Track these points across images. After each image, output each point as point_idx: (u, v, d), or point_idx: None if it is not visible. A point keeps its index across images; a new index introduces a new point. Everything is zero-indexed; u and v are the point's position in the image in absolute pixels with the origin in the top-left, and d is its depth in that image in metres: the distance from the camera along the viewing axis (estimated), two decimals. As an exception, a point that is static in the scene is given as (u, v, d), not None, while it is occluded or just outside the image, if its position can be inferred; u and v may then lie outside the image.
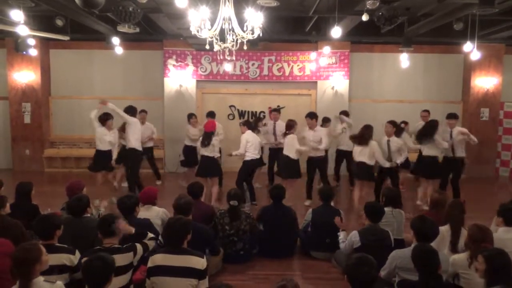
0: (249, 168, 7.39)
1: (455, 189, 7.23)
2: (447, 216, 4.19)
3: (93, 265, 2.84)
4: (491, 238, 3.48)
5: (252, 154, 7.25)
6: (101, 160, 7.63)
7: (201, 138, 7.37)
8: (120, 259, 3.32)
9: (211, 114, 8.43)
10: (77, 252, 3.53)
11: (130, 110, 7.67)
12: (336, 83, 10.33)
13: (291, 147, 7.29)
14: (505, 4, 6.36)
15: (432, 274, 3.12)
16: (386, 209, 4.94)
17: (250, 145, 7.20)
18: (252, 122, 8.07)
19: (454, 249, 3.94)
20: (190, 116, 8.89)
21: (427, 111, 8.58)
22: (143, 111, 8.64)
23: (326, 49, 9.13)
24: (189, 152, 8.73)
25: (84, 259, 3.38)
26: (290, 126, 7.41)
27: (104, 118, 7.56)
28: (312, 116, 7.63)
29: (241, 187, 7.15)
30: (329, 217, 5.19)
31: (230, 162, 9.30)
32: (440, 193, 4.94)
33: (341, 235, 4.86)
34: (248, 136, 7.27)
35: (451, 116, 7.33)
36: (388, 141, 7.05)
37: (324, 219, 5.19)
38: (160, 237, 4.38)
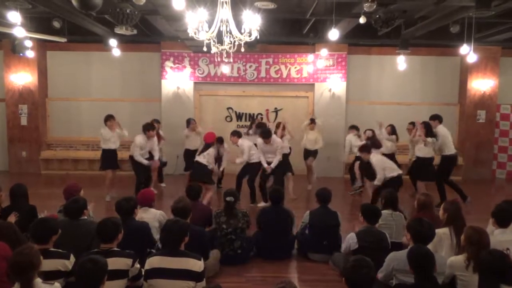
0: (256, 169, 7.68)
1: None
2: (448, 217, 4.18)
3: (84, 267, 2.82)
4: (487, 240, 3.48)
5: (254, 157, 7.59)
6: (107, 159, 7.72)
7: (200, 148, 7.78)
8: (116, 263, 3.31)
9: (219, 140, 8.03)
10: (71, 257, 3.48)
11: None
12: (333, 85, 10.34)
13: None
14: (501, 7, 6.40)
15: (428, 276, 3.12)
16: (385, 211, 4.95)
17: (252, 151, 7.57)
18: (249, 123, 8.49)
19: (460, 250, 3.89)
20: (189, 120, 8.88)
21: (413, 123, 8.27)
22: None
23: (324, 51, 9.15)
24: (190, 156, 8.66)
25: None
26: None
27: (105, 119, 7.76)
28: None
29: (253, 187, 7.68)
30: (327, 219, 5.21)
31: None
32: (426, 195, 4.94)
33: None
34: (247, 142, 7.61)
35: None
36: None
37: (322, 221, 5.19)
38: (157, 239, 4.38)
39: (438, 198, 7.26)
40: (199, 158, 7.42)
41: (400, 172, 6.77)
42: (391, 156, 7.80)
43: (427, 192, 5.03)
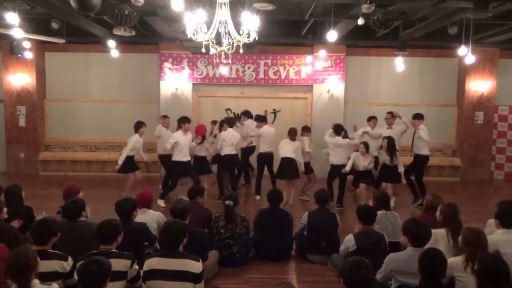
0: (224, 163, 7.96)
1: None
2: (444, 219, 4.19)
3: (88, 268, 2.81)
4: (485, 241, 3.48)
5: (226, 150, 7.84)
6: (127, 163, 7.56)
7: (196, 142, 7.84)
8: (116, 264, 3.30)
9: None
10: (69, 259, 3.47)
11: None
12: (331, 86, 10.35)
13: (290, 150, 7.74)
14: (499, 9, 6.44)
15: (436, 282, 3.10)
16: (379, 212, 4.95)
17: (225, 143, 7.82)
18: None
19: (458, 251, 3.89)
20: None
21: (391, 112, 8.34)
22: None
23: (322, 53, 9.16)
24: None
25: (79, 263, 3.37)
26: (294, 133, 7.87)
27: (137, 126, 7.64)
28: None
29: (221, 182, 7.96)
30: (325, 220, 5.21)
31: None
32: (434, 196, 4.91)
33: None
34: (225, 134, 7.89)
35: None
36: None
37: (320, 222, 5.19)
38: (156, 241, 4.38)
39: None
40: (200, 153, 7.98)
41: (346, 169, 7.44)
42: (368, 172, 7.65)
43: (436, 193, 5.00)
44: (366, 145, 7.49)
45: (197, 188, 5.36)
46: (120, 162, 7.35)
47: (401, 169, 7.33)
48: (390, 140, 7.37)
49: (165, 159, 8.11)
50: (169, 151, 7.65)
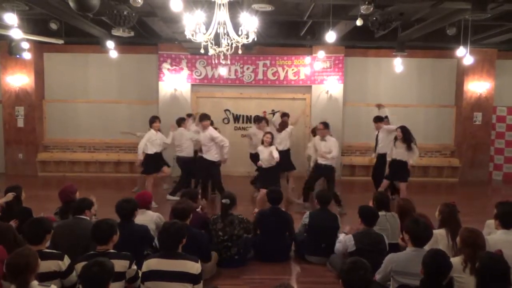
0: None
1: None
2: (442, 219, 4.19)
3: (91, 271, 2.80)
4: (483, 241, 3.48)
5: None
6: (152, 163, 7.63)
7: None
8: (115, 265, 3.28)
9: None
10: (65, 258, 3.45)
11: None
12: (330, 87, 10.36)
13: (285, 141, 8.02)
14: (497, 10, 6.45)
15: (438, 282, 3.10)
16: (379, 213, 4.95)
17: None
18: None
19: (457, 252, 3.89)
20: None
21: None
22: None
23: (321, 54, 9.17)
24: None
25: (78, 264, 3.36)
26: (286, 122, 8.10)
27: (151, 121, 7.74)
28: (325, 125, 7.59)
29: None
30: (326, 221, 5.20)
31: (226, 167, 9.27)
32: (404, 200, 4.89)
33: (341, 236, 4.85)
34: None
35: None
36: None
37: (321, 223, 5.19)
38: (156, 241, 4.37)
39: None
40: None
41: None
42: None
43: (406, 198, 5.01)
44: (272, 136, 7.06)
45: (192, 192, 5.35)
46: (140, 155, 7.45)
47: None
48: (404, 129, 7.32)
49: (184, 160, 8.18)
50: (190, 153, 8.06)
